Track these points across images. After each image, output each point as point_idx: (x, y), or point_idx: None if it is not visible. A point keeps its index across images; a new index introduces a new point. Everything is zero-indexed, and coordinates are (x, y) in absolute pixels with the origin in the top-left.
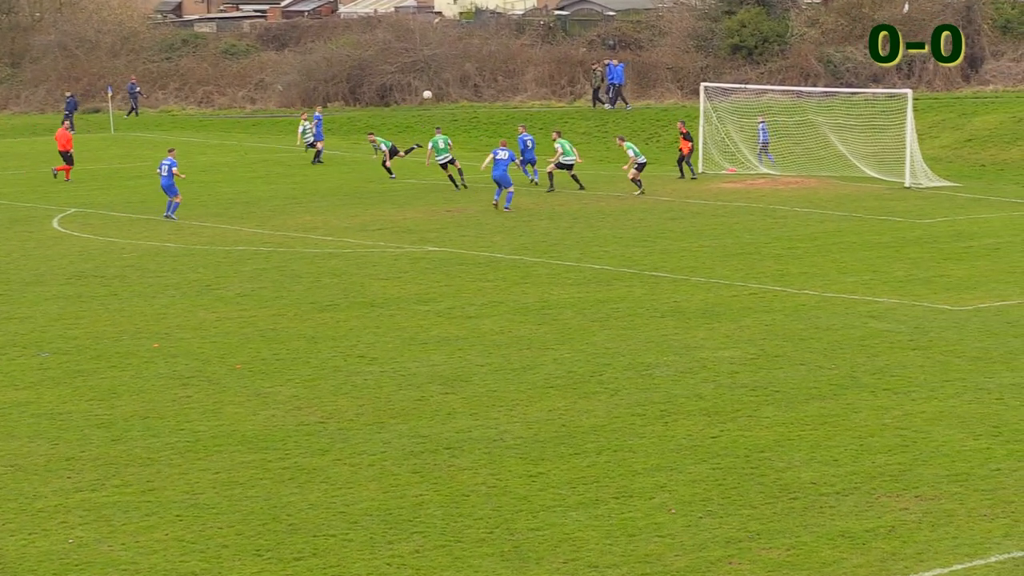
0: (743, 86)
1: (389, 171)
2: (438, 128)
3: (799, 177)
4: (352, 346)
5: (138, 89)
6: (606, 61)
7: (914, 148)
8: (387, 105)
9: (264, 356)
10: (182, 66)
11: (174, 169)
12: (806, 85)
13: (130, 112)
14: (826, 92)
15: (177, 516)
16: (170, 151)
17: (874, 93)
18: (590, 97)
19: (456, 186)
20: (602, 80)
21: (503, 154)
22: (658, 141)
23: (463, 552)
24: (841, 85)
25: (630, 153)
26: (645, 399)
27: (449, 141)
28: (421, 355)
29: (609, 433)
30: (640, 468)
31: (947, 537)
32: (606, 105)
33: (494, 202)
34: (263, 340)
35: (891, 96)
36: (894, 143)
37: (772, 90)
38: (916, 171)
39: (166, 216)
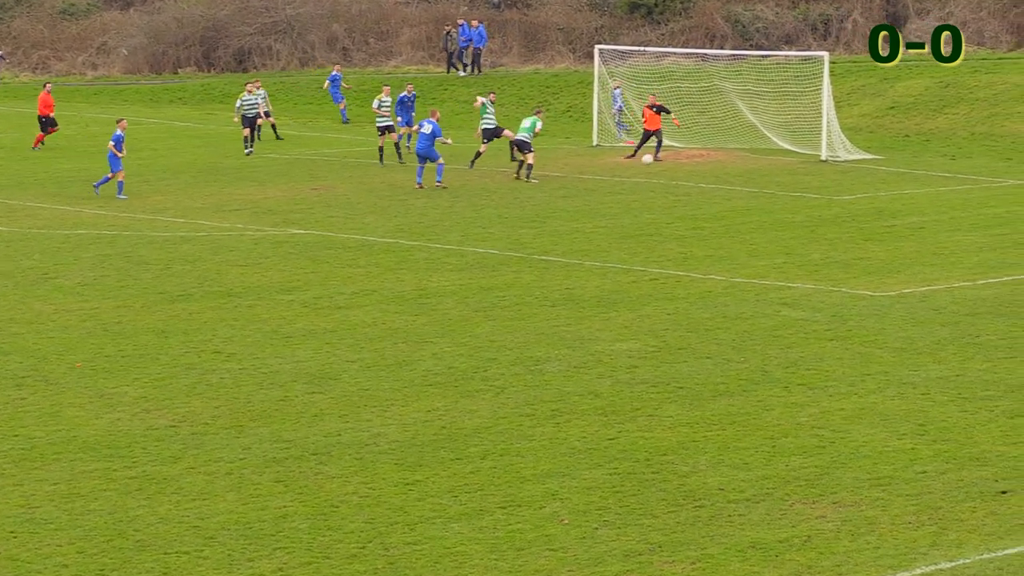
0: (642, 49)
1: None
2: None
3: (704, 150)
4: (207, 341)
5: None
6: (460, 21)
7: (831, 117)
8: (245, 71)
9: (108, 353)
10: (14, 28)
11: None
12: (712, 47)
13: None
14: (734, 55)
15: (11, 533)
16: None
17: (787, 56)
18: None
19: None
20: (457, 43)
21: (427, 127)
22: (550, 111)
23: (332, 570)
24: (750, 47)
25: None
26: (534, 398)
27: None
28: (284, 350)
29: (494, 435)
30: (529, 474)
31: (868, 547)
32: (461, 72)
33: (417, 183)
34: (107, 335)
35: (806, 60)
36: (809, 112)
37: (674, 53)
38: (833, 142)
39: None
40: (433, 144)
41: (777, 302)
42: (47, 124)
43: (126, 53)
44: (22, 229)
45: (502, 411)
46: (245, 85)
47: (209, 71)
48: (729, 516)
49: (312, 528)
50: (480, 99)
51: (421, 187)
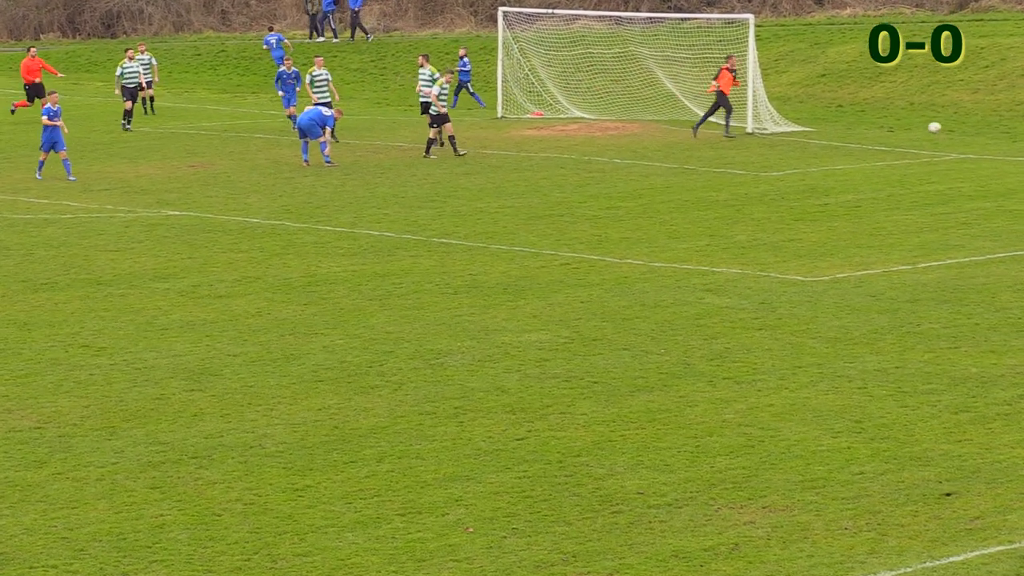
0: (549, 11)
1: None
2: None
3: (619, 122)
4: (74, 334)
5: None
6: None
7: (757, 85)
8: (114, 36)
9: None
10: None
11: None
12: (627, 9)
13: None
14: (650, 18)
15: None
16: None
17: (708, 19)
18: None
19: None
20: (321, 4)
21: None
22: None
23: None
24: (669, 9)
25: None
26: (435, 394)
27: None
28: (160, 344)
29: (392, 436)
30: (430, 478)
31: (801, 555)
32: (334, 38)
33: (304, 160)
34: None
35: (729, 23)
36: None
37: (585, 16)
38: (760, 114)
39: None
40: (317, 119)
41: (700, 288)
42: (34, 93)
43: None
44: None
45: (400, 409)
46: (126, 51)
47: (74, 37)
48: (649, 523)
49: (192, 539)
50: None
51: (308, 164)
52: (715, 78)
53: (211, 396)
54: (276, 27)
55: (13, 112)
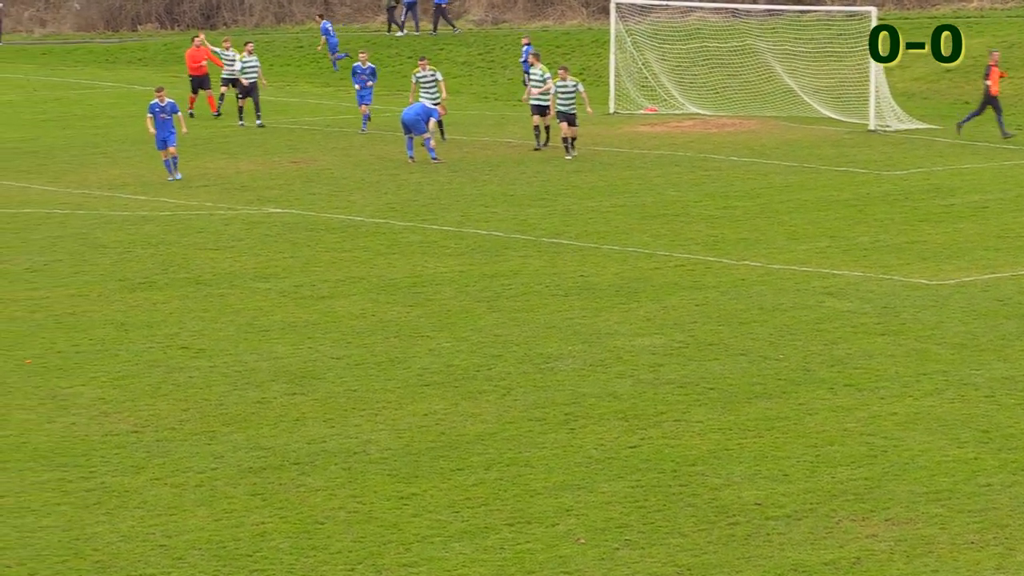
0: (664, 3)
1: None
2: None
3: (736, 118)
4: (173, 335)
5: None
6: None
7: (880, 81)
8: (213, 28)
9: (61, 348)
10: None
11: None
12: (744, 1)
13: None
14: (770, 10)
15: None
16: None
17: (829, 12)
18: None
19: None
20: None
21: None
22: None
23: None
24: (788, 1)
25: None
26: (545, 400)
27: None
28: (261, 346)
29: (500, 443)
30: (540, 487)
31: (926, 570)
32: (399, 32)
33: (409, 156)
34: (59, 328)
35: (851, 16)
36: (855, 75)
37: (701, 7)
38: (883, 110)
39: None
40: (422, 114)
41: (820, 291)
42: (198, 84)
43: (78, 7)
44: None
45: (509, 415)
46: (245, 44)
47: (172, 28)
48: (767, 535)
49: (294, 548)
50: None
51: (413, 160)
52: (985, 77)
53: (313, 400)
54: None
55: (192, 115)
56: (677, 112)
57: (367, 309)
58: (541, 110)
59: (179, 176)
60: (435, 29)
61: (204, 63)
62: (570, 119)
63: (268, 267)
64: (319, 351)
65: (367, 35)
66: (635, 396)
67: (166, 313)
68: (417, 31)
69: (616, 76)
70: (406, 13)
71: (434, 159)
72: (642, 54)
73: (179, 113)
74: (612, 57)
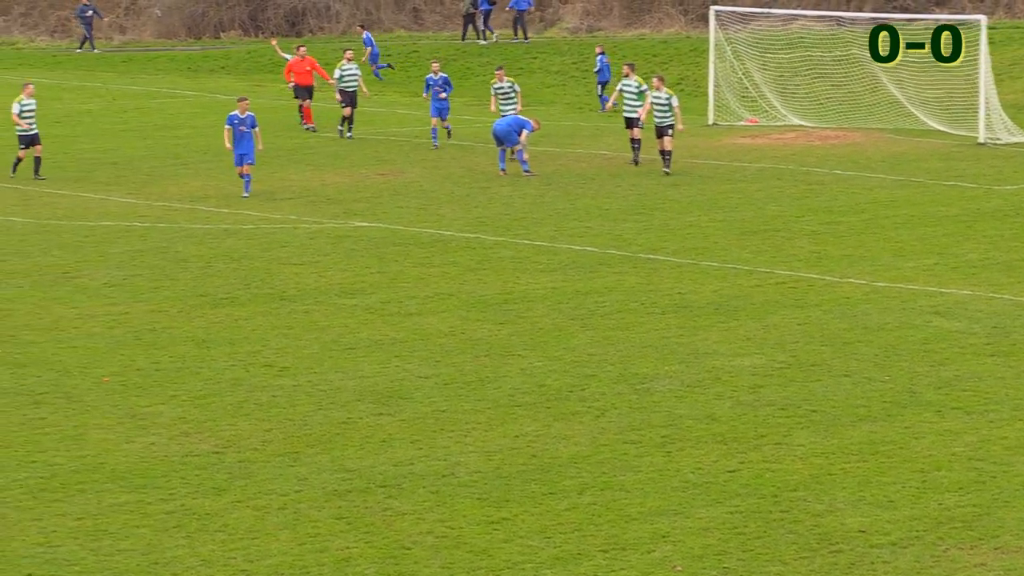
0: (766, 11)
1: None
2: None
3: (840, 130)
4: (256, 352)
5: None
6: None
7: (990, 92)
8: (299, 35)
9: (140, 366)
10: None
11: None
12: (849, 9)
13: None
14: (874, 18)
15: (29, 575)
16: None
17: (938, 20)
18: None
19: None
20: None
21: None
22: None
23: None
24: (894, 9)
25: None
26: (641, 422)
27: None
28: (346, 364)
29: (594, 466)
30: (635, 512)
31: None
32: (481, 40)
33: (500, 169)
34: (139, 345)
35: (960, 24)
36: (964, 85)
37: (804, 15)
38: (993, 122)
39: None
40: (515, 125)
41: (928, 310)
42: (305, 94)
43: (159, 14)
44: (39, 220)
45: (603, 437)
46: (344, 53)
47: (256, 35)
48: (872, 563)
49: (380, 573)
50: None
51: (505, 173)
52: None
53: (400, 421)
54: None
55: (311, 129)
56: (779, 124)
57: (456, 327)
58: (633, 122)
59: (246, 194)
60: (525, 36)
61: (310, 75)
62: (665, 132)
63: (354, 283)
64: (406, 370)
65: (456, 44)
66: (734, 418)
67: (248, 330)
68: (483, 40)
69: (715, 86)
70: (485, 20)
71: (526, 172)
72: (742, 63)
73: (257, 128)
74: (711, 67)
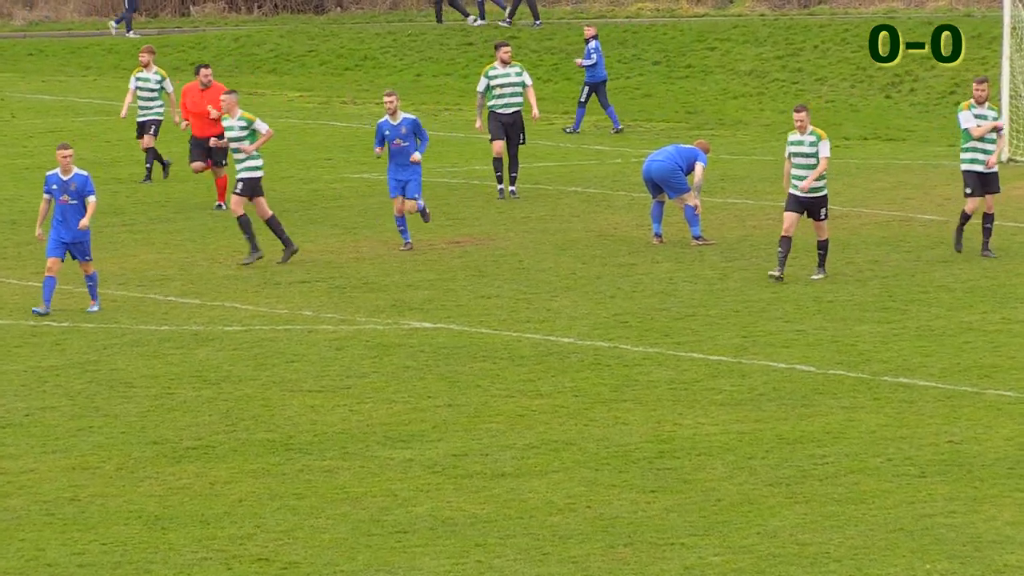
0: None
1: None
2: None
3: None
4: (244, 539)
5: None
6: None
7: None
8: (320, 12)
9: (51, 560)
10: None
11: None
12: None
13: None
14: None
15: None
16: None
17: None
18: None
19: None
20: None
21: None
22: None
23: None
24: None
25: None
26: None
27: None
28: (395, 560)
29: None
30: None
31: None
32: (472, 19)
33: (655, 234)
34: (50, 526)
35: None
36: None
37: None
38: None
39: None
40: (682, 162)
41: None
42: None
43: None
44: None
45: None
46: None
47: (240, 12)
48: None
49: None
50: None
51: (661, 241)
52: None
53: None
54: None
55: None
56: None
57: (578, 496)
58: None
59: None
60: (536, 19)
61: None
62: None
63: (408, 423)
64: (499, 569)
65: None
66: None
67: (231, 502)
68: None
69: (1010, 94)
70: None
71: (697, 237)
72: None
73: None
74: (1004, 62)
